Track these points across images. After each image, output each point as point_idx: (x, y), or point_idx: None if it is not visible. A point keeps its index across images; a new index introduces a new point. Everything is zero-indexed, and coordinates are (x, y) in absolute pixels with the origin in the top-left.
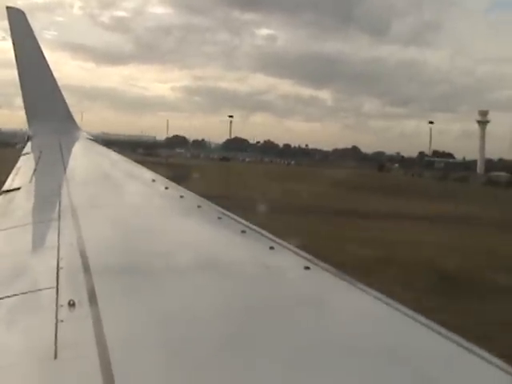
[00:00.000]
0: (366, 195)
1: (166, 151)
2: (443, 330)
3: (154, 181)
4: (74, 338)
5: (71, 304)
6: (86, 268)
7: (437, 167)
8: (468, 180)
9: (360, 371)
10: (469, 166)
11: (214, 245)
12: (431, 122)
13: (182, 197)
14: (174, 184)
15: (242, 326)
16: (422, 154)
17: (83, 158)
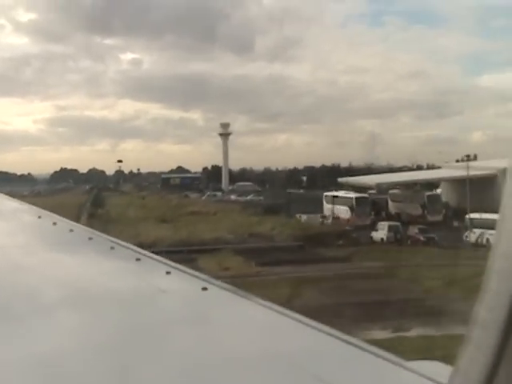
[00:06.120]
0: None
1: None
2: (339, 334)
3: (40, 217)
4: None
5: None
6: None
7: (172, 184)
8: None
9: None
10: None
11: (109, 275)
12: None
13: (71, 231)
14: (63, 218)
15: (145, 352)
16: (205, 169)
17: None
